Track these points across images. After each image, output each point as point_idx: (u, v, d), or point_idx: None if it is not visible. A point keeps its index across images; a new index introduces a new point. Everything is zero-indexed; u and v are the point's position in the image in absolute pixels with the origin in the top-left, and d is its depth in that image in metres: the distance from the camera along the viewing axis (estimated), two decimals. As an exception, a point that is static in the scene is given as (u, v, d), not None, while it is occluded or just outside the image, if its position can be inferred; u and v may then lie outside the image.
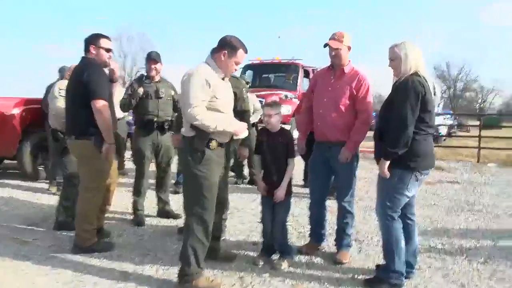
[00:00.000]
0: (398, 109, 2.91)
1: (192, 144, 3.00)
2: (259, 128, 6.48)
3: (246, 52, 3.08)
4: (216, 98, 2.98)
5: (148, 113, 4.55)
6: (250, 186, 6.87)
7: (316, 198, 3.78)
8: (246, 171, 7.30)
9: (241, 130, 3.15)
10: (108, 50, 3.67)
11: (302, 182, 6.81)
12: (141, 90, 4.49)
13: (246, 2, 65.55)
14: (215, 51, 3.06)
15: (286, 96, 10.64)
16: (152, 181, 5.00)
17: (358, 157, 3.65)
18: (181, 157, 3.28)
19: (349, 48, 3.53)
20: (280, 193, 3.39)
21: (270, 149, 3.44)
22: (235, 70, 3.19)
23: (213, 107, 2.99)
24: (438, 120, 18.33)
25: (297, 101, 10.04)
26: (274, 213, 3.50)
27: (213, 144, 3.01)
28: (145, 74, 4.67)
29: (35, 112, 6.79)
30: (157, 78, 4.64)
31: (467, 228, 4.73)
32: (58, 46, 63.56)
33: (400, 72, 2.99)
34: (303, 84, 11.63)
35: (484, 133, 11.49)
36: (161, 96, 4.58)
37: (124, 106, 4.57)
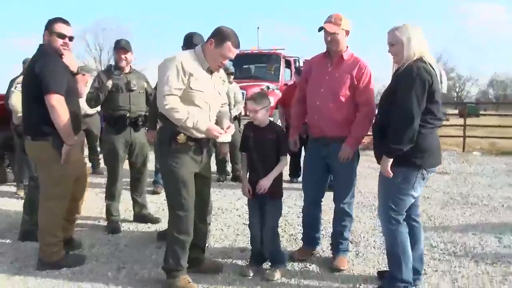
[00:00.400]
0: (401, 100, 2.57)
1: (159, 135, 2.91)
2: (244, 122, 6.10)
3: (235, 46, 2.76)
4: (191, 89, 2.70)
5: (119, 108, 4.09)
6: (234, 182, 6.51)
7: (311, 199, 3.42)
8: (229, 166, 6.93)
9: (215, 133, 2.79)
10: (62, 36, 3.11)
11: (287, 178, 6.47)
12: (110, 83, 4.02)
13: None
14: (206, 41, 2.78)
15: (268, 87, 10.24)
16: (127, 179, 4.55)
17: (359, 154, 3.30)
18: (154, 148, 3.03)
19: (347, 32, 3.15)
20: (264, 183, 3.00)
21: (257, 146, 3.06)
22: (222, 64, 2.82)
23: (189, 99, 2.71)
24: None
25: (279, 93, 9.69)
26: (263, 218, 3.13)
27: (181, 137, 2.78)
28: (113, 64, 4.20)
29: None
30: (127, 69, 4.19)
31: (466, 224, 4.47)
32: (27, 40, 61.13)
33: (403, 58, 2.66)
34: (285, 74, 11.28)
35: (462, 121, 11.44)
36: (133, 88, 4.12)
37: (91, 101, 4.08)
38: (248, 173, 3.17)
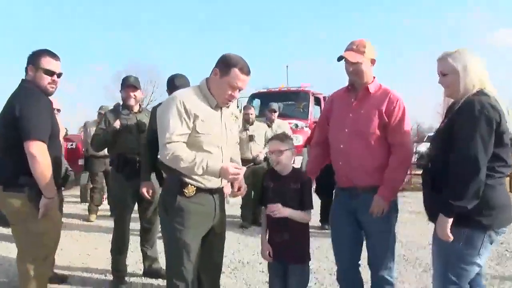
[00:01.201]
0: (463, 144, 2.03)
1: (164, 188, 2.56)
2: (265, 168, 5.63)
3: (244, 73, 2.30)
4: (198, 133, 2.25)
5: (129, 152, 3.67)
6: (256, 226, 5.94)
7: (345, 267, 2.79)
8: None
9: (232, 172, 2.23)
10: (50, 73, 2.65)
11: (318, 223, 5.87)
12: (117, 124, 3.63)
13: (255, 34, 65.57)
14: (211, 72, 2.35)
15: (296, 126, 9.84)
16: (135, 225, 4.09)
17: (397, 207, 2.71)
18: (158, 202, 2.61)
19: (372, 61, 2.64)
20: (281, 209, 2.47)
21: (278, 198, 2.52)
22: (231, 97, 2.35)
23: (196, 144, 2.26)
24: (423, 147, 17.34)
25: (308, 130, 9.27)
26: (286, 286, 2.57)
27: (189, 190, 2.34)
28: (121, 103, 3.83)
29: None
30: (136, 108, 3.82)
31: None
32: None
33: (458, 91, 2.14)
34: (314, 112, 10.87)
35: None
36: (144, 129, 3.70)
37: (98, 144, 3.71)
38: (268, 232, 2.65)
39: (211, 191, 2.40)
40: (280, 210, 2.45)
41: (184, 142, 2.23)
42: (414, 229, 5.46)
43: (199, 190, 2.34)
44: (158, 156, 2.48)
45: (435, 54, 2.25)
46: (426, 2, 66.65)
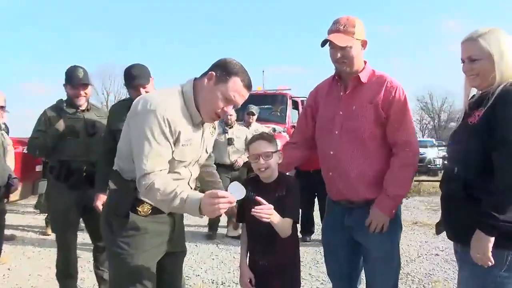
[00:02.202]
0: (505, 144, 1.62)
1: (109, 201, 1.99)
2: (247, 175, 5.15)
3: (246, 86, 1.83)
4: (173, 159, 1.82)
5: (74, 158, 3.04)
6: (231, 238, 5.46)
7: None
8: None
9: (220, 205, 1.61)
10: None
11: (299, 235, 5.42)
12: (61, 125, 3.00)
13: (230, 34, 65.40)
14: (203, 74, 1.87)
15: (274, 130, 9.38)
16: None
17: (400, 222, 2.25)
18: (101, 219, 2.02)
19: (363, 43, 2.13)
20: (270, 211, 1.86)
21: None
22: (222, 112, 1.84)
23: (172, 170, 1.84)
24: (432, 153, 17.52)
25: (286, 135, 8.83)
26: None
27: (144, 208, 1.86)
28: (65, 99, 3.15)
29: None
30: (84, 106, 3.15)
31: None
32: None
33: (491, 80, 1.74)
34: (292, 116, 10.47)
35: None
36: (94, 132, 3.09)
37: (35, 149, 3.08)
38: (248, 253, 2.17)
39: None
40: (267, 212, 1.84)
41: (165, 169, 1.77)
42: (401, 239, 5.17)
43: (156, 210, 1.86)
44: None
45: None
46: (402, 9, 67.75)
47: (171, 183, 1.71)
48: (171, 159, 1.79)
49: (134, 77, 2.68)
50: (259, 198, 1.87)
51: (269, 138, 2.11)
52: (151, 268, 1.90)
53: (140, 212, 1.85)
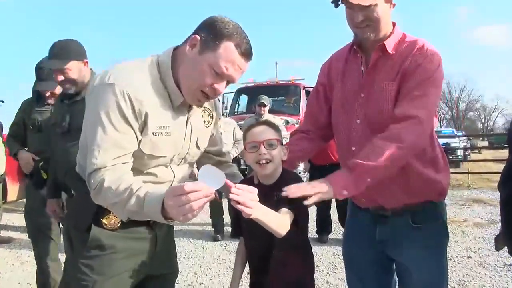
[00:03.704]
0: None
1: (70, 212, 1.65)
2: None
3: (242, 53, 1.36)
4: (142, 152, 1.37)
5: (37, 154, 2.74)
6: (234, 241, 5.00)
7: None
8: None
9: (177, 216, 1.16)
10: None
11: (315, 234, 4.97)
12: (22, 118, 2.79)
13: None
14: (184, 41, 1.42)
15: (287, 122, 8.95)
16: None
17: (448, 232, 1.78)
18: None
19: (390, 2, 1.56)
20: (246, 197, 1.25)
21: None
22: (212, 91, 1.39)
23: (143, 169, 1.42)
24: (454, 143, 16.86)
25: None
26: None
27: (111, 220, 1.43)
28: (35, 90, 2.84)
29: None
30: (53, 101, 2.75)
31: None
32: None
33: None
34: (305, 107, 9.99)
35: (497, 153, 9.99)
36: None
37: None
38: (240, 271, 1.71)
39: (146, 223, 1.48)
40: (249, 204, 1.24)
41: (124, 163, 1.32)
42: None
43: (125, 223, 1.43)
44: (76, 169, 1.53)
45: None
46: None
47: (127, 179, 1.28)
48: (137, 152, 1.35)
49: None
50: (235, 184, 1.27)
51: (273, 125, 1.63)
52: None
53: (105, 225, 1.42)
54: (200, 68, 1.33)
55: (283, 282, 1.59)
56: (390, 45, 1.59)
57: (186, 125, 1.48)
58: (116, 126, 1.28)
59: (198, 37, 1.34)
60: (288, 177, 1.60)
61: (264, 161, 1.54)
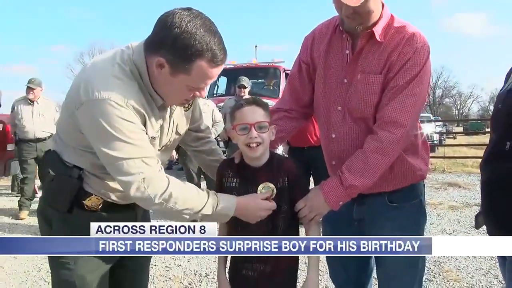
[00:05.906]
0: None
1: (48, 191, 1.49)
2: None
3: (216, 62, 1.32)
4: None
5: None
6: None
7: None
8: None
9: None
10: None
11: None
12: None
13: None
14: (149, 49, 1.34)
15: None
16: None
17: (425, 211, 1.75)
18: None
19: None
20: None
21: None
22: (193, 97, 1.45)
23: None
24: (430, 128, 17.20)
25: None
26: None
27: (92, 201, 1.42)
28: None
29: None
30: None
31: None
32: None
33: None
34: (286, 83, 9.96)
35: (471, 139, 10.31)
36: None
37: None
38: (226, 265, 1.67)
39: (128, 206, 1.50)
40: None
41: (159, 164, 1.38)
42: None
43: (107, 205, 1.45)
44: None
45: None
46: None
47: (189, 186, 1.41)
48: None
49: None
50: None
51: (264, 105, 1.57)
52: (101, 275, 1.48)
53: (87, 206, 1.42)
54: (177, 87, 1.34)
55: (270, 268, 1.55)
56: (378, 31, 1.54)
57: (170, 120, 1.50)
58: (138, 134, 1.31)
59: (163, 59, 1.28)
60: (277, 160, 1.59)
61: (254, 144, 1.50)
